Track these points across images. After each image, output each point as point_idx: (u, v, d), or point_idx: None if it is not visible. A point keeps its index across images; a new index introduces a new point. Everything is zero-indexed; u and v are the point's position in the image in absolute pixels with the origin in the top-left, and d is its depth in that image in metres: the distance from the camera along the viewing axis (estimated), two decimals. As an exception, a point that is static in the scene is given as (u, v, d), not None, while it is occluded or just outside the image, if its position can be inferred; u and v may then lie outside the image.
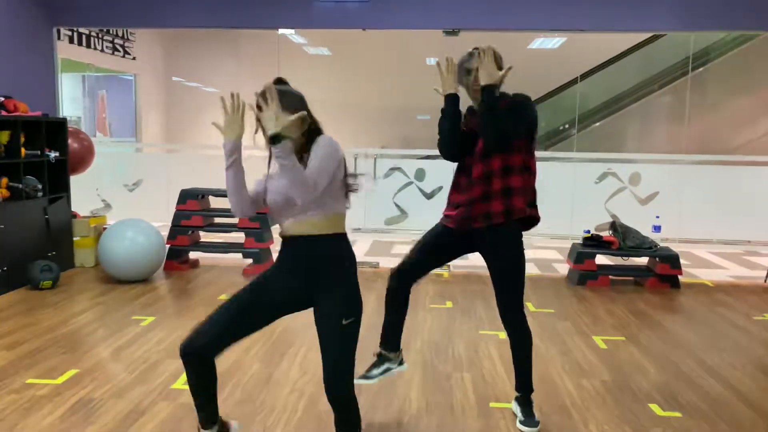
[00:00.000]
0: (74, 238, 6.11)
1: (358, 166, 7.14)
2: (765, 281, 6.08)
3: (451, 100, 2.90)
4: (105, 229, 5.91)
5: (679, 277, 5.81)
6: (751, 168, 7.09)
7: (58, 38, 6.69)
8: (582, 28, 6.19)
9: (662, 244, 6.03)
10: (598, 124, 10.41)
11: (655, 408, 3.22)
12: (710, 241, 7.32)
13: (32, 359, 3.72)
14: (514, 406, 3.10)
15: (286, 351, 3.92)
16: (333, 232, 2.24)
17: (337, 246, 2.26)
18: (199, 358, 2.24)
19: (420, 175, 7.23)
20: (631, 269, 6.08)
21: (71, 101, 10.78)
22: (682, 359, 3.95)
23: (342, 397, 2.23)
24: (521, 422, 2.99)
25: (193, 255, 6.36)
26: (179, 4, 6.34)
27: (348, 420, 2.28)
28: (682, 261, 5.88)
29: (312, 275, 2.23)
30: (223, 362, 3.71)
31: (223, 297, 2.32)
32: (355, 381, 2.89)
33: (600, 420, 3.08)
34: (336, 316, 2.18)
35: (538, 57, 10.06)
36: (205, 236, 6.58)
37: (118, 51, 10.13)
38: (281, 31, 6.85)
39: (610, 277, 5.90)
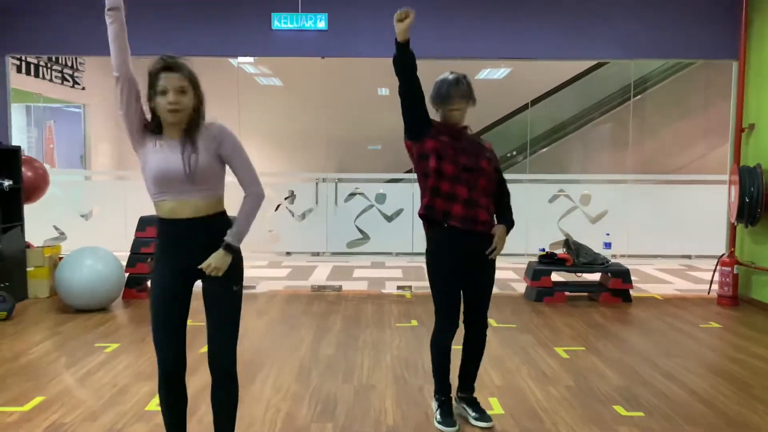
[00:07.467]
0: (28, 269, 5.94)
1: (319, 190, 7.23)
2: (708, 293, 6.41)
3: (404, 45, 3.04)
4: (60, 258, 5.79)
5: (630, 291, 6.08)
6: (691, 186, 7.57)
7: (7, 67, 6.58)
8: (530, 56, 6.50)
9: (612, 260, 6.31)
10: (544, 150, 10.81)
11: (619, 409, 3.38)
12: (657, 256, 7.68)
13: (-6, 388, 3.61)
14: (462, 408, 3.25)
15: (257, 372, 3.92)
16: (217, 211, 2.33)
17: (223, 223, 2.34)
18: (180, 375, 2.36)
19: (380, 198, 7.36)
20: (585, 285, 6.33)
21: (16, 131, 10.50)
22: (639, 365, 4.14)
23: (233, 368, 2.34)
24: (477, 418, 3.16)
25: (152, 283, 6.26)
26: (131, 30, 6.31)
27: (235, 392, 2.41)
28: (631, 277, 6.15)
29: (202, 251, 2.28)
30: (193, 385, 3.69)
31: (190, 322, 2.38)
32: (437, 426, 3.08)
33: (569, 422, 3.21)
34: (227, 284, 2.31)
35: (486, 87, 10.43)
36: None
37: (67, 81, 9.98)
38: (240, 59, 6.92)
39: (566, 293, 6.13)
